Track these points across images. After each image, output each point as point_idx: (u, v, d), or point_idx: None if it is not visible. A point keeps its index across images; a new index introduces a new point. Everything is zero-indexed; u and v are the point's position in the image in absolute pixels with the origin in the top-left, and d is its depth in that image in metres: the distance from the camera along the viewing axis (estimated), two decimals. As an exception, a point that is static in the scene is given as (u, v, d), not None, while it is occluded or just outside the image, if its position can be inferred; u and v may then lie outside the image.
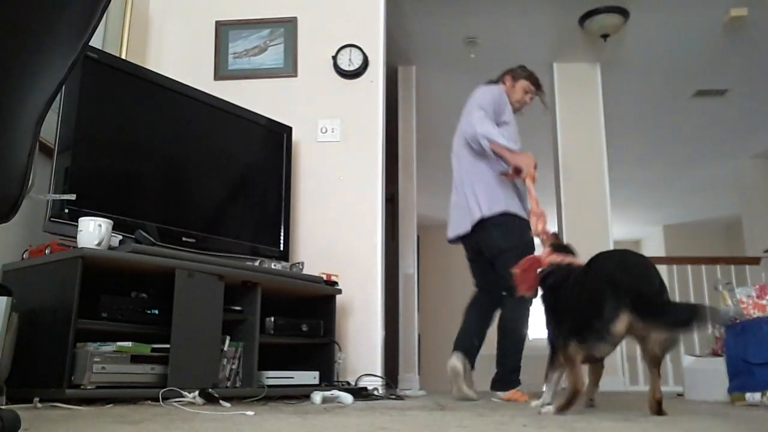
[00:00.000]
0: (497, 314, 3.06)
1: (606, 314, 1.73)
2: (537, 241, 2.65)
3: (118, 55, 2.99)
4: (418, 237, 5.40)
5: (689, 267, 5.61)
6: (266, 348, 2.57)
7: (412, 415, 1.72)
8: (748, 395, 2.49)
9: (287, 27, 3.53)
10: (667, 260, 5.87)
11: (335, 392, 2.37)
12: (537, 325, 2.77)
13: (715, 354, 3.01)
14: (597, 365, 2.25)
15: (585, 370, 1.99)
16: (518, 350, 2.96)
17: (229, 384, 2.40)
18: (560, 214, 5.03)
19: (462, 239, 3.13)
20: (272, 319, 2.64)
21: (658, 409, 1.79)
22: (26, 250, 2.30)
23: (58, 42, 0.96)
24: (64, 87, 1.70)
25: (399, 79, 5.27)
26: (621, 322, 1.71)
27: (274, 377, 2.55)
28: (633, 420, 1.64)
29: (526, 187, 2.89)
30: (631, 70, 5.32)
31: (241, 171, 3.03)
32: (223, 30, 3.55)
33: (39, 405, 1.80)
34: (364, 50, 3.45)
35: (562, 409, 1.82)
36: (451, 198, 3.20)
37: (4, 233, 2.34)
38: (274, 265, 2.75)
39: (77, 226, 2.15)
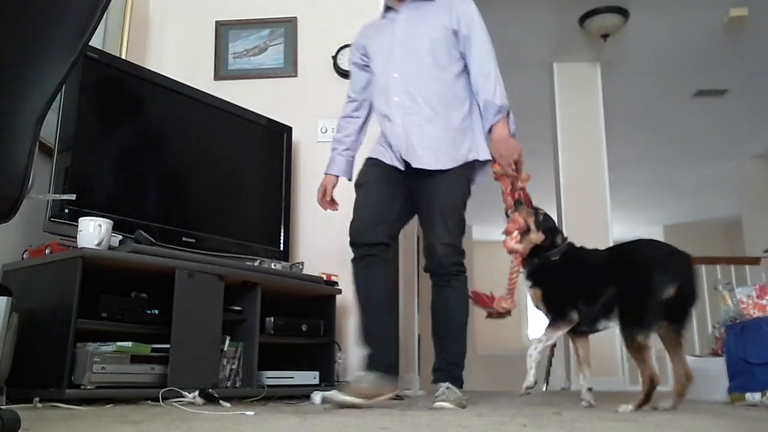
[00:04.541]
0: None
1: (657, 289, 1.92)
2: None
3: (118, 55, 2.98)
4: (418, 237, 5.39)
5: (689, 267, 5.59)
6: (266, 348, 2.57)
7: (412, 415, 1.72)
8: (748, 395, 2.48)
9: (287, 27, 3.53)
10: (667, 260, 5.86)
11: (335, 392, 2.37)
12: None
13: (715, 354, 3.01)
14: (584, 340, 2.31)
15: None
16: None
17: (229, 384, 2.40)
18: (560, 214, 5.03)
19: None
20: (272, 319, 2.64)
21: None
22: (26, 250, 2.30)
23: (58, 42, 0.96)
24: (64, 87, 1.70)
25: (399, 79, 5.25)
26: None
27: (274, 377, 2.55)
28: (633, 420, 1.63)
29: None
30: (631, 70, 5.32)
31: (241, 171, 3.03)
32: (223, 30, 3.54)
33: (39, 405, 1.80)
34: (364, 50, 3.43)
35: (641, 405, 1.90)
36: None
37: (4, 233, 2.34)
38: (274, 265, 2.75)
39: (77, 226, 2.14)
